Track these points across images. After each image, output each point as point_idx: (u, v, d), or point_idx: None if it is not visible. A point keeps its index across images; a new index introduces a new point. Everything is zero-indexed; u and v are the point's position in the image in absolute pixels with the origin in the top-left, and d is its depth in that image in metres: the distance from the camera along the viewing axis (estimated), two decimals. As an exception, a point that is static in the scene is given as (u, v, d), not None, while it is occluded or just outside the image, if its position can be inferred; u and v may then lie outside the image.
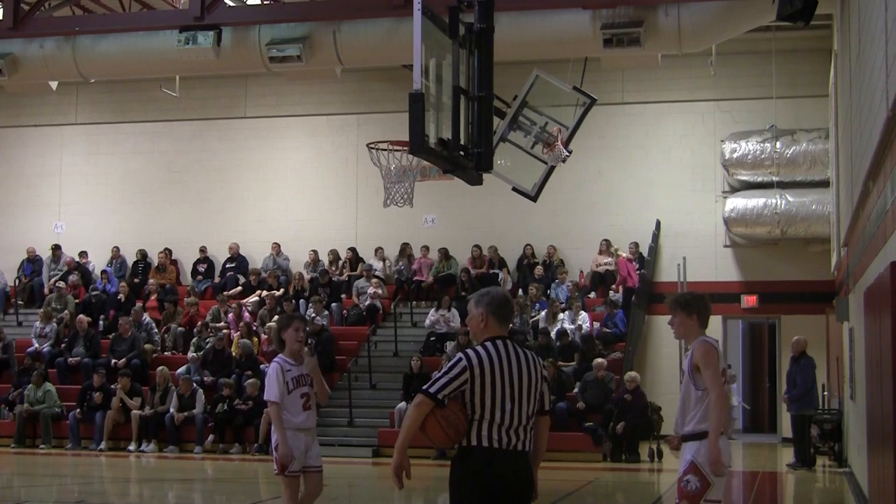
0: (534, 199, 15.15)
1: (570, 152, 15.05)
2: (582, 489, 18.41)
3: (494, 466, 6.48)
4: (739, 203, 25.55)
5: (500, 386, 6.49)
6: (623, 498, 19.00)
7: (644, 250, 26.31)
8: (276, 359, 9.88)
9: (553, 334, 24.01)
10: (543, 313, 24.73)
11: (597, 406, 22.03)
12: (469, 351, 6.59)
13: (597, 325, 24.55)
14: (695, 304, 8.06)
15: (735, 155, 25.51)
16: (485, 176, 13.12)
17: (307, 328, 10.90)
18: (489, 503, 6.48)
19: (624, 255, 25.97)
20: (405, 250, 27.55)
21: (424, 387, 6.53)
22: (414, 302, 26.79)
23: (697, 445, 7.77)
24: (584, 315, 24.50)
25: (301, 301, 26.21)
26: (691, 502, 7.74)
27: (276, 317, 25.45)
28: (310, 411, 9.83)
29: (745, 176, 25.63)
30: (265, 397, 10.01)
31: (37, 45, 22.83)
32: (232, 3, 24.14)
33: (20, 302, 28.65)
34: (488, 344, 6.61)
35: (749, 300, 26.28)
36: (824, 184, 25.03)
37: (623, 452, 21.71)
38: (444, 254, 27.07)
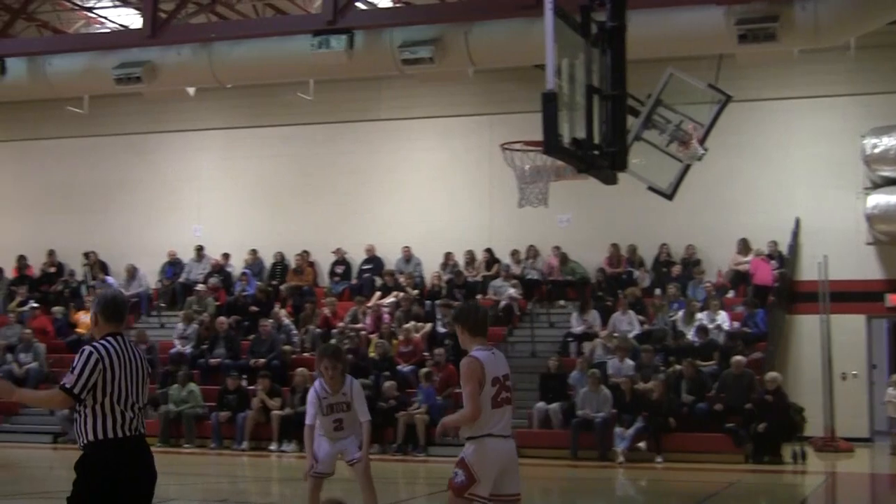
0: (670, 197, 14.96)
1: (706, 150, 14.84)
2: (724, 491, 18.17)
3: (124, 454, 6.94)
4: (882, 199, 24.93)
5: (121, 377, 6.97)
6: (767, 500, 18.67)
7: (784, 249, 25.87)
8: None
9: (691, 334, 23.75)
10: (681, 313, 24.46)
11: (736, 407, 21.68)
12: (95, 344, 7.04)
13: (736, 324, 24.18)
14: (459, 316, 8.43)
15: (876, 150, 24.93)
16: (620, 175, 13.02)
17: None
18: (120, 491, 6.88)
19: (760, 255, 25.60)
20: (531, 251, 27.54)
21: (64, 383, 6.93)
22: (556, 301, 26.68)
23: (468, 445, 8.15)
24: (722, 314, 24.15)
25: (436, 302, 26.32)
26: (456, 493, 8.12)
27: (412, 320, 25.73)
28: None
29: (887, 172, 25.01)
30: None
31: (174, 52, 23.29)
32: (364, 7, 24.34)
33: (162, 304, 29.27)
34: (109, 339, 7.08)
35: (893, 298, 25.62)
36: (972, 177, 24.36)
37: (765, 454, 21.33)
38: (563, 258, 26.99)
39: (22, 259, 31.11)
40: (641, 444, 21.51)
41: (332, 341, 25.20)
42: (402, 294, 26.86)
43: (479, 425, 8.10)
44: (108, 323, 7.17)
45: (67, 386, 6.89)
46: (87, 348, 6.99)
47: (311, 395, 11.15)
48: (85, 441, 6.94)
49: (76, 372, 6.90)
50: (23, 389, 8.26)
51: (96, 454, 6.90)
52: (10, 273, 31.09)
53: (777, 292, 25.04)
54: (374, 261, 28.64)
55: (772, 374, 21.94)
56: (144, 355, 7.23)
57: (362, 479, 11.28)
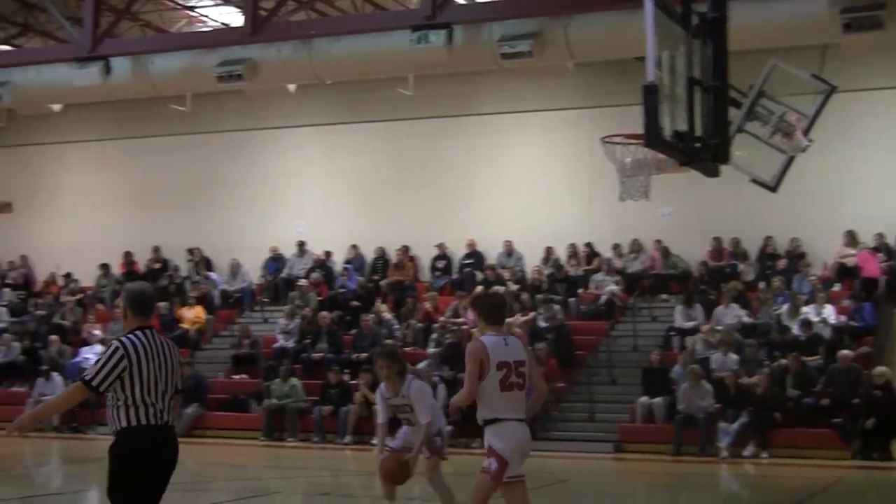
0: (774, 190, 14.76)
1: (811, 141, 14.62)
2: (830, 487, 17.88)
3: (155, 441, 7.17)
4: None
5: (148, 369, 7.14)
6: (875, 497, 18.30)
7: (891, 241, 25.36)
8: None
9: (796, 327, 23.40)
10: (786, 307, 24.11)
11: (843, 402, 21.31)
12: (123, 339, 7.22)
13: (843, 318, 23.76)
14: (475, 303, 8.84)
15: None
16: (722, 167, 12.88)
17: None
18: (151, 476, 7.14)
19: (866, 248, 25.14)
20: (635, 245, 27.40)
21: (84, 376, 7.17)
22: (658, 295, 26.48)
23: (487, 430, 8.41)
24: (829, 308, 23.75)
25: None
26: (494, 480, 8.26)
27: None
28: None
29: None
30: None
31: (275, 49, 23.48)
32: (463, 2, 24.33)
33: (265, 299, 29.58)
34: (138, 333, 7.26)
35: None
36: None
37: (873, 450, 20.91)
38: (665, 251, 26.77)
39: (128, 255, 31.66)
40: (747, 452, 21.16)
41: (433, 336, 25.32)
42: (503, 288, 26.79)
43: (489, 408, 8.35)
44: (136, 317, 7.36)
45: (87, 378, 7.12)
46: (115, 343, 7.21)
47: (378, 396, 11.53)
48: (118, 428, 7.16)
49: (99, 365, 7.12)
50: (40, 406, 8.50)
51: (128, 441, 7.13)
52: (117, 269, 31.64)
53: (885, 285, 24.57)
54: (475, 255, 28.65)
55: (881, 369, 21.52)
56: (174, 346, 7.46)
57: (430, 476, 11.80)
